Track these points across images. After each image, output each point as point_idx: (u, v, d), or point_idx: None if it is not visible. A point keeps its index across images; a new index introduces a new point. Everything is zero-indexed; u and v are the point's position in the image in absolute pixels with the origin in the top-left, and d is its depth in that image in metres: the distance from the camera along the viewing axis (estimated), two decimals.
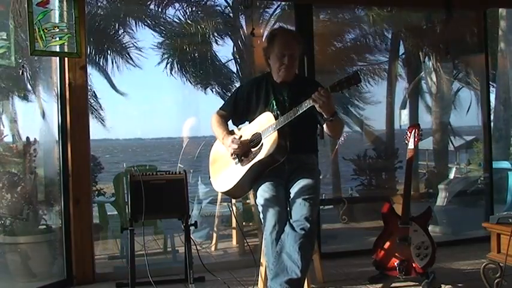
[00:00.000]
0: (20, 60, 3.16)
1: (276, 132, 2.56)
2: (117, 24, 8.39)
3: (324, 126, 2.64)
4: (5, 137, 3.77)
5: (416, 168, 6.65)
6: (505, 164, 5.37)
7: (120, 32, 8.52)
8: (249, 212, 4.38)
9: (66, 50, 3.13)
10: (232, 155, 2.72)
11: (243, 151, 2.69)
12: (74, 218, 3.26)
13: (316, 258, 3.11)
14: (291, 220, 2.52)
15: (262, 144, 2.62)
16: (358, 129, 7.82)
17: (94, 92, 8.73)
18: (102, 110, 9.19)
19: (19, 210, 3.38)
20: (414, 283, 3.05)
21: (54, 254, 3.44)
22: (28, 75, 4.04)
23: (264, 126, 2.64)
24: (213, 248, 4.36)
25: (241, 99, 2.87)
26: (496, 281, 2.50)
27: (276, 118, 2.60)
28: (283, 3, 6.35)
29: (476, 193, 5.02)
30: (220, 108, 2.94)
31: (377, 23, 7.00)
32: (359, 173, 5.69)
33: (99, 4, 7.67)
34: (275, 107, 2.72)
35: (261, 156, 2.59)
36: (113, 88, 9.43)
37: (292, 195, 2.60)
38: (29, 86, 4.26)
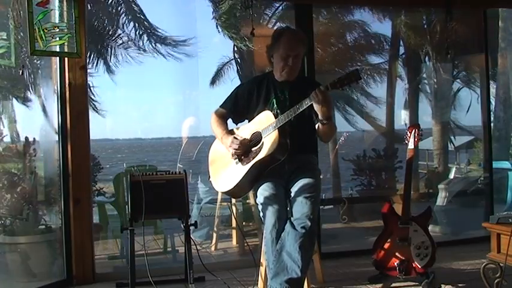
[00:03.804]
0: (20, 60, 3.15)
1: (277, 131, 2.55)
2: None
3: (317, 126, 2.65)
4: (4, 136, 3.77)
5: (416, 168, 6.65)
6: (505, 164, 5.37)
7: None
8: (249, 212, 4.38)
9: (66, 50, 3.13)
10: (232, 155, 2.72)
11: (243, 151, 2.69)
12: (74, 218, 3.26)
13: (316, 258, 3.11)
14: (291, 218, 2.52)
15: (262, 143, 2.62)
16: (360, 119, 7.78)
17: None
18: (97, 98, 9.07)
19: (19, 210, 3.38)
20: (414, 283, 3.05)
21: (54, 254, 3.44)
22: (28, 75, 4.05)
23: (264, 125, 2.64)
24: (213, 248, 4.36)
25: (242, 97, 2.87)
26: (496, 281, 2.49)
27: (276, 117, 2.60)
28: (283, 3, 6.33)
29: (476, 193, 5.02)
30: (220, 106, 2.93)
31: (377, 23, 7.01)
32: (359, 173, 5.68)
33: None
34: (275, 105, 2.72)
35: (261, 155, 2.58)
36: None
37: (293, 194, 2.60)
38: (29, 86, 4.26)
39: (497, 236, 2.59)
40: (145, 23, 8.49)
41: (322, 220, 3.93)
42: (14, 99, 4.34)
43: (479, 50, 4.50)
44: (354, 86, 2.46)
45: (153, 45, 8.56)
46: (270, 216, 2.53)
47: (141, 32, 8.48)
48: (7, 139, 3.81)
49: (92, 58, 8.15)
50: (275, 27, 6.59)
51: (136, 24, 8.43)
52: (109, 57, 8.58)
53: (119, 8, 8.33)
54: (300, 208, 2.52)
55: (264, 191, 2.60)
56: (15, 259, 3.36)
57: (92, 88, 8.48)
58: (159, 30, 8.58)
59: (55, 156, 3.39)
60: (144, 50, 8.54)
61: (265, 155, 2.57)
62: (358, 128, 7.79)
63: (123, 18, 8.36)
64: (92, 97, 8.64)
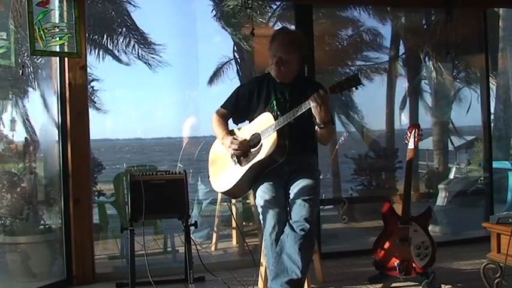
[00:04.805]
0: (20, 60, 3.16)
1: (276, 132, 2.55)
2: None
3: (315, 128, 2.64)
4: (5, 137, 3.77)
5: (416, 168, 6.65)
6: (505, 164, 5.37)
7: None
8: (249, 212, 4.38)
9: (66, 50, 3.13)
10: (232, 155, 2.72)
11: (243, 151, 2.69)
12: (74, 218, 3.26)
13: (316, 258, 3.11)
14: (290, 221, 2.52)
15: (261, 144, 2.62)
16: (359, 134, 7.81)
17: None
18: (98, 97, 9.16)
19: (19, 210, 3.38)
20: (414, 283, 3.05)
21: (54, 254, 3.44)
22: (28, 75, 4.05)
23: (264, 126, 2.63)
24: (213, 248, 4.36)
25: (243, 97, 2.87)
26: (496, 281, 2.50)
27: (276, 118, 2.60)
28: (283, 3, 6.34)
29: (476, 193, 5.01)
30: (220, 107, 2.93)
31: (377, 23, 7.01)
32: (359, 173, 5.68)
33: None
34: (275, 107, 2.72)
35: (260, 156, 2.59)
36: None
37: (292, 196, 2.60)
38: (28, 86, 4.27)
39: (497, 236, 2.59)
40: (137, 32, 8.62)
41: (322, 220, 3.94)
42: (13, 100, 4.34)
43: (479, 50, 4.50)
44: (353, 90, 2.44)
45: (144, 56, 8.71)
46: (270, 219, 2.52)
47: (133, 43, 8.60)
48: (18, 138, 3.80)
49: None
50: (275, 27, 6.62)
51: (130, 35, 8.55)
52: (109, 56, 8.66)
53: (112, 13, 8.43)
54: (299, 211, 2.51)
55: (264, 193, 2.59)
56: (15, 259, 3.36)
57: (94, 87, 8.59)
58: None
59: (55, 156, 3.39)
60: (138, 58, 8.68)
61: (263, 156, 2.57)
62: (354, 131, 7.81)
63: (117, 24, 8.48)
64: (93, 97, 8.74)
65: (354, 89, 2.41)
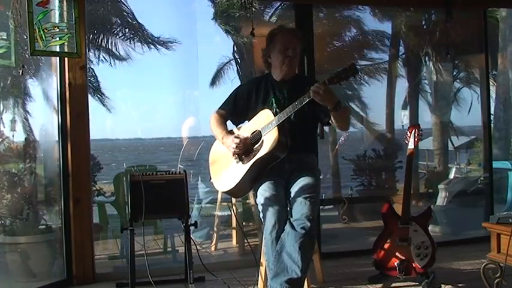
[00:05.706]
0: (20, 60, 3.15)
1: (276, 128, 2.56)
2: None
3: (331, 119, 2.61)
4: (6, 138, 3.77)
5: (416, 168, 6.64)
6: (505, 164, 5.37)
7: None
8: (249, 212, 4.38)
9: (66, 50, 3.13)
10: (233, 154, 2.72)
11: (244, 150, 2.69)
12: (74, 218, 3.27)
13: (316, 258, 3.11)
14: (291, 219, 2.52)
15: (262, 141, 2.62)
16: (360, 125, 7.80)
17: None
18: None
19: (19, 210, 3.38)
20: (414, 283, 3.05)
21: (54, 254, 3.44)
22: (28, 75, 4.05)
23: (264, 123, 2.64)
24: (213, 248, 4.36)
25: (241, 98, 2.87)
26: (496, 281, 2.50)
27: (275, 115, 2.60)
28: (283, 3, 6.33)
29: (476, 193, 5.01)
30: (219, 108, 2.93)
31: (377, 23, 7.01)
32: (359, 173, 5.68)
33: None
34: (274, 104, 2.73)
35: (262, 153, 2.59)
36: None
37: (292, 194, 2.60)
38: (29, 86, 4.26)
39: (497, 236, 2.59)
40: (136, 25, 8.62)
41: (322, 220, 3.93)
42: (13, 100, 4.34)
43: (479, 50, 4.50)
44: (351, 80, 2.45)
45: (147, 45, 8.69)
46: (270, 217, 2.53)
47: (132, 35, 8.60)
48: (18, 139, 3.80)
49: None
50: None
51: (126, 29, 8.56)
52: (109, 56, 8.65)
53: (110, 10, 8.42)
54: (300, 209, 2.51)
55: (265, 191, 2.60)
56: (15, 259, 3.36)
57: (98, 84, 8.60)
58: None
59: (55, 156, 3.39)
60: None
61: (265, 152, 2.57)
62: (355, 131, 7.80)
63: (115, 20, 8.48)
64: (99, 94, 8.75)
65: (352, 78, 2.42)
